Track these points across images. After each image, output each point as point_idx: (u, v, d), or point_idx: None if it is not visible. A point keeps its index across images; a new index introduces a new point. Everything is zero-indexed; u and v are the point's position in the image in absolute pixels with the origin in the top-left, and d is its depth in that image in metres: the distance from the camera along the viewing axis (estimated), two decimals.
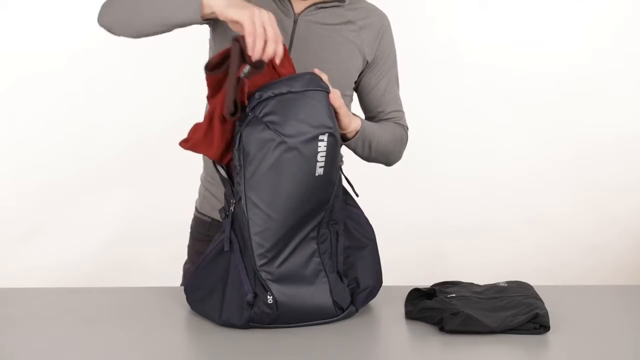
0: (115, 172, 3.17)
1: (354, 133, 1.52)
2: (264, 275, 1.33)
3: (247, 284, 1.34)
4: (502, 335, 1.31)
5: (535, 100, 3.20)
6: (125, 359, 1.27)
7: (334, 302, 1.38)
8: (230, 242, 1.38)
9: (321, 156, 1.32)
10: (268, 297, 1.33)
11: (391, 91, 1.73)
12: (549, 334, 1.33)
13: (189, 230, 1.83)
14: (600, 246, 3.22)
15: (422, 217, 3.20)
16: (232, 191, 1.38)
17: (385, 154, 1.67)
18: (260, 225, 1.32)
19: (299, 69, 1.50)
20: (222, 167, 1.40)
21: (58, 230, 3.20)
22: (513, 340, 1.30)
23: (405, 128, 1.74)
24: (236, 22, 1.37)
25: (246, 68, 1.32)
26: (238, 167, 1.33)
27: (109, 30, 1.56)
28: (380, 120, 1.73)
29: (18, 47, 3.11)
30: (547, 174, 3.26)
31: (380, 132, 1.63)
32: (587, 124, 3.22)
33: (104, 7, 1.56)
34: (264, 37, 1.33)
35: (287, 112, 1.31)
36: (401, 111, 1.76)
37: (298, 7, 1.64)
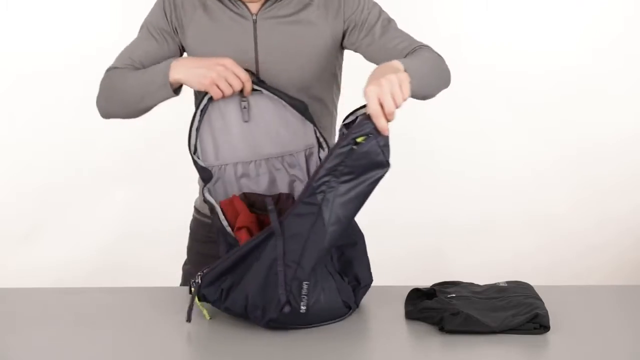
0: (115, 173, 3.16)
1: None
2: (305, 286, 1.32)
3: (282, 289, 1.30)
4: (502, 335, 1.31)
5: (536, 99, 3.20)
6: (124, 359, 1.27)
7: (343, 301, 1.39)
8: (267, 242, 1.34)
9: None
10: (301, 305, 1.32)
11: (387, 32, 1.60)
12: (549, 334, 1.32)
13: (188, 231, 1.83)
14: (600, 245, 3.21)
15: (422, 217, 3.20)
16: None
17: (438, 79, 1.54)
18: (333, 241, 1.31)
19: (269, 68, 1.51)
20: None
21: (58, 231, 3.20)
22: (513, 340, 1.30)
23: (431, 49, 1.58)
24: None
25: None
26: (330, 175, 1.27)
27: (107, 117, 1.69)
28: None
29: (18, 47, 3.11)
30: (547, 174, 3.25)
31: (418, 62, 1.46)
32: (587, 124, 3.21)
33: (97, 102, 1.67)
34: (230, 90, 1.45)
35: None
36: (418, 42, 1.60)
37: (254, 7, 1.60)
